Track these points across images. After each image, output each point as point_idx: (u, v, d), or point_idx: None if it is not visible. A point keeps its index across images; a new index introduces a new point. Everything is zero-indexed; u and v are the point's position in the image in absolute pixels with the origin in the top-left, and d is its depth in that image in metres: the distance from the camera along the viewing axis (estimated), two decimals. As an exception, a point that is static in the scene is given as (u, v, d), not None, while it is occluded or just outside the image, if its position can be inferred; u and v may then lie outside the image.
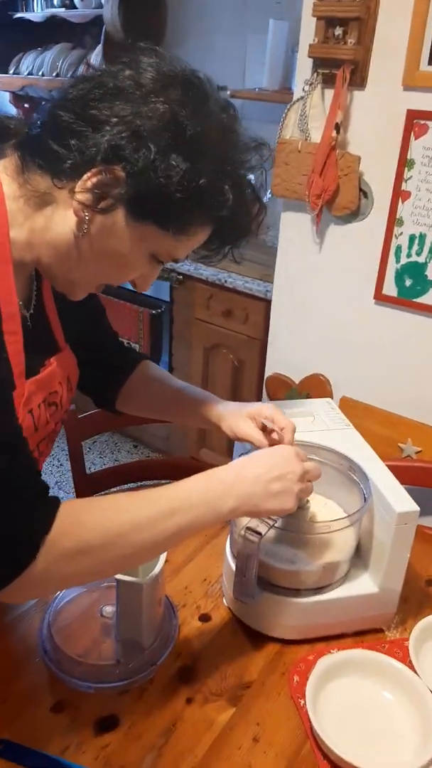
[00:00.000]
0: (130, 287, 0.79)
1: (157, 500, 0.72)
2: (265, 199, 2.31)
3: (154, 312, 2.41)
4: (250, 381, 2.23)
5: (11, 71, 3.14)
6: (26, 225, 0.71)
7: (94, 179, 0.66)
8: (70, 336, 0.90)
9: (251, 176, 0.77)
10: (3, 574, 0.64)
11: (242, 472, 0.77)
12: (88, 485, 1.40)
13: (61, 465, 2.68)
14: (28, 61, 3.09)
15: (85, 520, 0.68)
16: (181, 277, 2.30)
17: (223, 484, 0.76)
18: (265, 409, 0.93)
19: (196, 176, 0.66)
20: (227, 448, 2.29)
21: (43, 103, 0.73)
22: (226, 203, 0.69)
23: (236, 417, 0.94)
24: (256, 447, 0.91)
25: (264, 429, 0.92)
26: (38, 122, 0.71)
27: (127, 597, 0.84)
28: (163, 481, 1.48)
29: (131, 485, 1.41)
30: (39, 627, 0.90)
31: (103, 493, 1.38)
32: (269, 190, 1.80)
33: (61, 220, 0.70)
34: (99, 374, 1.02)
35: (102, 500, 0.72)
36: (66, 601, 0.94)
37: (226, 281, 2.16)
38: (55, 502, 0.67)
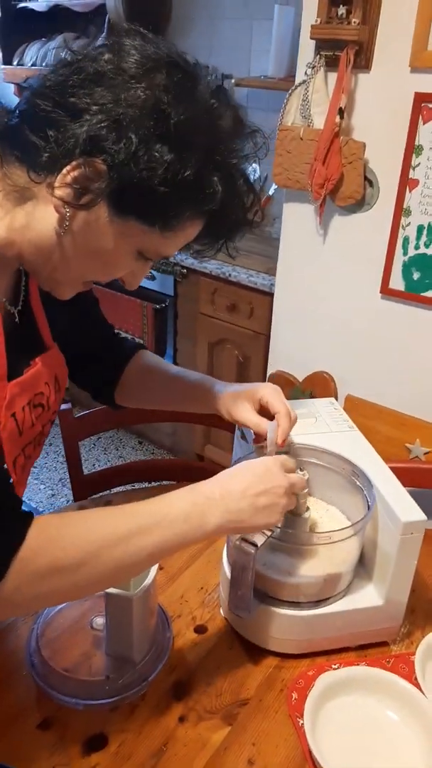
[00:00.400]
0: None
1: (136, 515, 0.68)
2: (270, 191, 2.28)
3: (158, 307, 2.38)
4: (256, 377, 2.18)
5: (15, 62, 3.10)
6: (5, 221, 0.67)
7: (74, 173, 0.62)
8: (62, 331, 0.86)
9: (252, 165, 0.72)
10: None
11: (227, 487, 0.73)
12: (85, 486, 1.37)
13: (66, 461, 2.66)
14: (31, 52, 3.05)
15: (58, 537, 0.64)
16: (185, 270, 2.25)
17: (208, 499, 0.71)
18: (262, 389, 0.90)
19: (182, 168, 0.61)
20: (232, 444, 2.24)
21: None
22: (215, 196, 0.65)
23: (233, 399, 0.91)
24: (254, 432, 0.88)
25: (261, 412, 0.89)
26: (17, 111, 0.66)
27: (116, 610, 0.80)
28: (163, 483, 1.46)
29: (128, 487, 1.38)
30: (27, 639, 0.86)
31: (100, 494, 1.35)
32: (273, 184, 1.75)
33: (42, 217, 0.66)
34: (95, 368, 1.00)
35: (77, 515, 0.68)
36: (56, 611, 0.90)
37: (230, 275, 2.11)
38: (27, 518, 0.63)
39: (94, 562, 0.64)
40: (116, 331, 1.06)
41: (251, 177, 0.72)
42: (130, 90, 0.61)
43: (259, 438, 0.88)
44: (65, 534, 0.64)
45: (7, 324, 0.75)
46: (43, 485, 2.54)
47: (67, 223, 0.65)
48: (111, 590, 0.78)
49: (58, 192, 0.63)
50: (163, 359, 1.07)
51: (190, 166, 0.62)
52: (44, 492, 2.49)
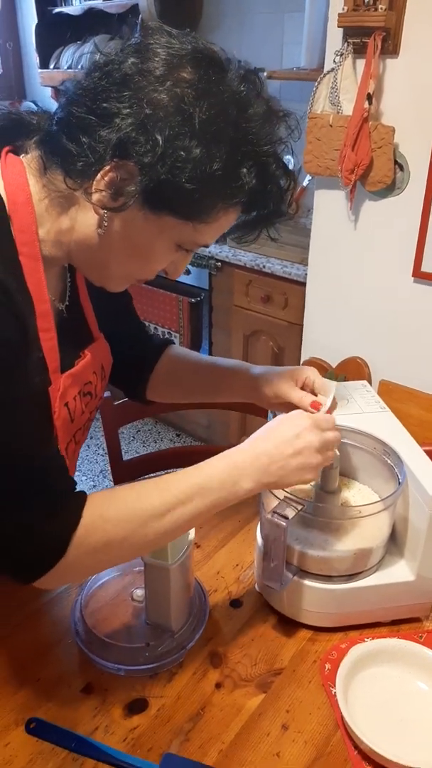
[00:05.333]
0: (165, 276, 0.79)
1: (176, 487, 0.73)
2: (305, 182, 2.28)
3: (193, 300, 2.41)
4: (291, 367, 2.19)
5: (52, 66, 3.18)
6: (54, 227, 0.71)
7: (107, 178, 0.65)
8: (102, 326, 0.90)
9: (286, 157, 0.73)
10: (36, 569, 0.68)
11: (257, 452, 0.77)
12: (124, 472, 1.41)
13: (107, 452, 2.73)
14: (67, 56, 3.12)
15: (108, 515, 0.70)
16: (219, 264, 2.28)
17: (239, 468, 0.75)
18: (306, 371, 0.92)
19: (210, 163, 0.62)
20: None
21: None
22: (244, 187, 0.66)
23: (277, 377, 0.93)
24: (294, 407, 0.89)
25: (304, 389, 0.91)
26: (56, 118, 0.69)
27: (155, 580, 0.84)
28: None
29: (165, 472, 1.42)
30: (71, 609, 0.91)
31: (140, 479, 1.39)
32: (307, 175, 1.76)
33: (84, 221, 0.70)
34: (127, 365, 1.01)
35: (124, 491, 0.73)
36: (98, 585, 0.94)
37: (264, 266, 2.12)
38: (81, 500, 0.69)
39: (140, 534, 0.71)
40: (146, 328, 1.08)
41: (287, 162, 0.72)
42: (156, 91, 0.62)
43: None
44: (114, 511, 0.70)
45: (57, 319, 0.79)
46: (84, 476, 2.61)
47: (106, 224, 0.68)
48: (149, 560, 0.82)
49: (95, 196, 0.66)
50: (193, 351, 1.09)
51: (217, 160, 0.63)
52: (86, 483, 2.57)
